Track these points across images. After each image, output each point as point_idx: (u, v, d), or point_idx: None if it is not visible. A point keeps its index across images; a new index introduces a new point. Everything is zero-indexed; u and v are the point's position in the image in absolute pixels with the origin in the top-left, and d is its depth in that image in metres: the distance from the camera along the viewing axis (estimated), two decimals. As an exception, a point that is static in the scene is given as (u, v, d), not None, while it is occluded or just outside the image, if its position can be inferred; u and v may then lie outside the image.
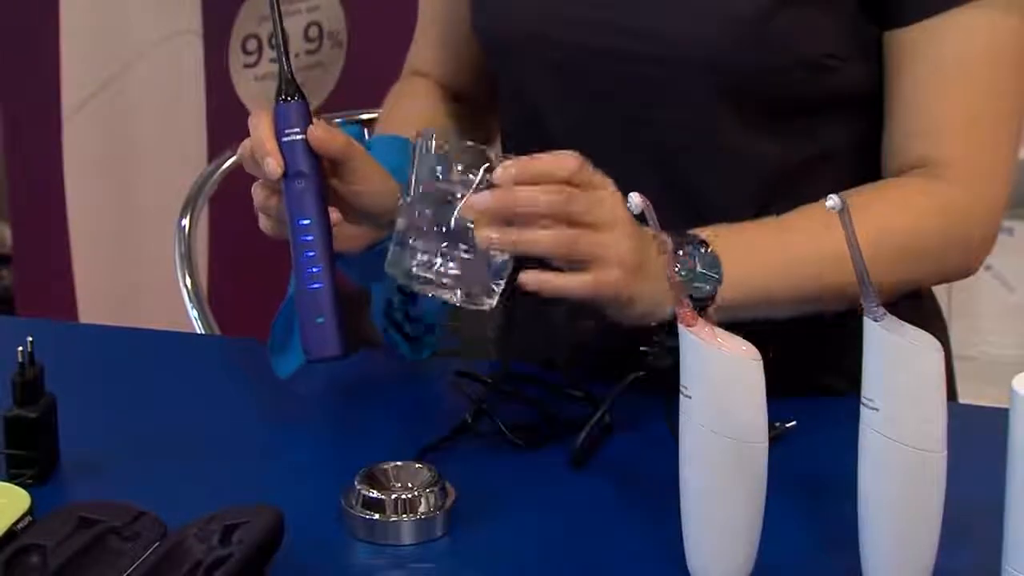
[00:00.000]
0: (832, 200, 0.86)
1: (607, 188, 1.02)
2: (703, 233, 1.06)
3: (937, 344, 0.89)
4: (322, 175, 1.05)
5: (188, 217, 1.79)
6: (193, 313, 1.76)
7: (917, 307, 1.26)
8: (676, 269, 1.01)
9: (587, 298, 1.02)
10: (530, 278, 1.00)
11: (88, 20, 2.37)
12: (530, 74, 1.23)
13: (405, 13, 1.48)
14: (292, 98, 1.05)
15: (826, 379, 1.22)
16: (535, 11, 1.21)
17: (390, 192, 1.08)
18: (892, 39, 1.15)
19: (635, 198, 0.91)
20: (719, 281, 1.05)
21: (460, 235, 1.01)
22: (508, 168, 0.99)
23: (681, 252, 1.04)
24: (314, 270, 1.04)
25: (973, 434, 0.96)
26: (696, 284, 1.04)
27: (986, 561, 0.92)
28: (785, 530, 0.97)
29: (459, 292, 1.02)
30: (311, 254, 1.04)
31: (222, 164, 1.77)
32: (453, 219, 1.01)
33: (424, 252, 1.02)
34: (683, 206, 1.14)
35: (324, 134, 1.04)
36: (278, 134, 1.04)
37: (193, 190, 1.75)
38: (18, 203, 2.69)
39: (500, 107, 1.31)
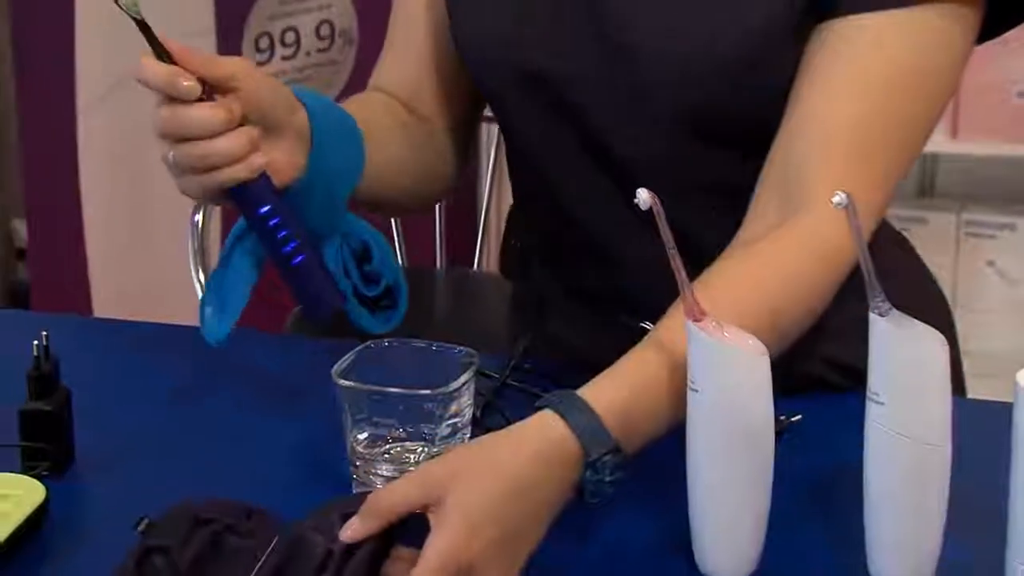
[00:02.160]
0: (839, 197, 0.86)
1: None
2: (607, 416, 0.94)
3: (942, 338, 0.88)
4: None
5: (201, 213, 1.79)
6: (206, 307, 1.76)
7: (922, 300, 1.25)
8: (583, 485, 0.95)
9: None
10: None
11: (102, 19, 2.37)
12: (505, 100, 1.22)
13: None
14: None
15: (831, 376, 1.21)
16: (507, 32, 1.18)
17: (284, 99, 1.06)
18: (814, 33, 1.09)
19: (643, 194, 0.90)
20: (623, 478, 0.96)
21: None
22: None
23: (588, 468, 0.94)
24: (291, 246, 1.04)
25: (977, 428, 0.95)
26: (604, 489, 0.95)
27: (990, 553, 0.91)
28: (792, 521, 0.96)
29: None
30: (283, 234, 1.04)
31: (235, 161, 1.77)
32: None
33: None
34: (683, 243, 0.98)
35: (163, 72, 1.00)
36: None
37: (206, 186, 1.75)
38: (33, 199, 2.70)
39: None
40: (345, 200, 1.12)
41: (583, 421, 0.93)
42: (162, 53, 1.00)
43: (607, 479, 0.94)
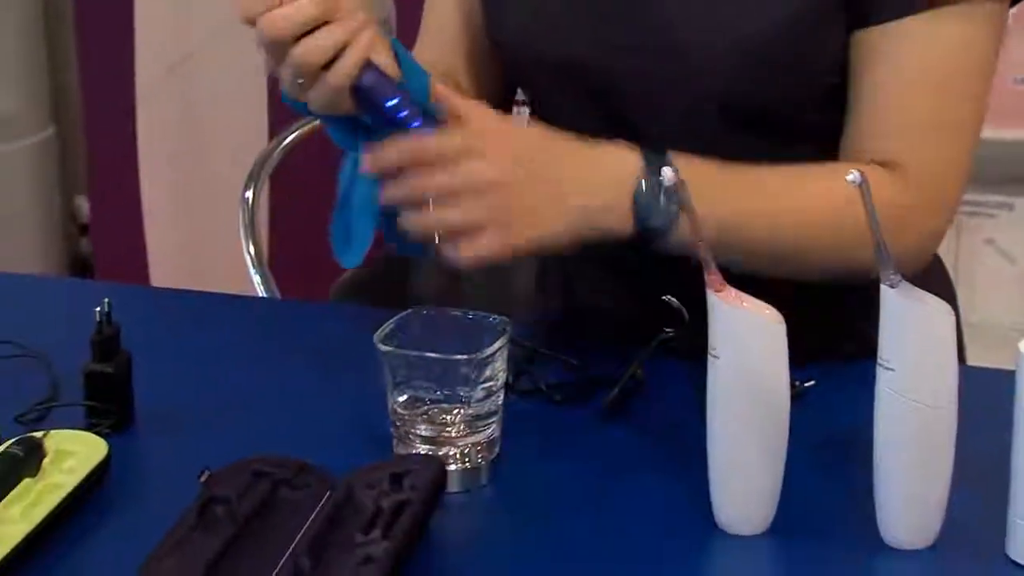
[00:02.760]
0: (852, 174, 0.85)
1: (472, 154, 0.98)
2: (679, 163, 0.98)
3: (949, 309, 0.88)
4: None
5: (251, 190, 1.79)
6: (256, 278, 1.77)
7: (928, 275, 1.24)
8: (638, 190, 0.99)
9: (499, 258, 1.00)
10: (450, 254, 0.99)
11: (160, 7, 2.37)
12: (544, 87, 1.21)
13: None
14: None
15: (843, 345, 1.21)
16: (551, 29, 1.17)
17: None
18: (857, 39, 1.09)
19: (667, 172, 0.90)
20: (676, 218, 1.00)
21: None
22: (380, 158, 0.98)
23: (646, 181, 0.99)
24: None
25: (979, 393, 0.94)
26: (650, 215, 1.00)
27: (992, 511, 0.91)
28: (805, 481, 0.96)
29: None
30: (415, 125, 1.00)
31: (282, 142, 1.78)
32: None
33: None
34: None
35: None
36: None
37: (256, 165, 1.75)
38: (96, 179, 2.71)
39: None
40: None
41: (647, 150, 1.00)
42: None
43: (661, 200, 0.98)
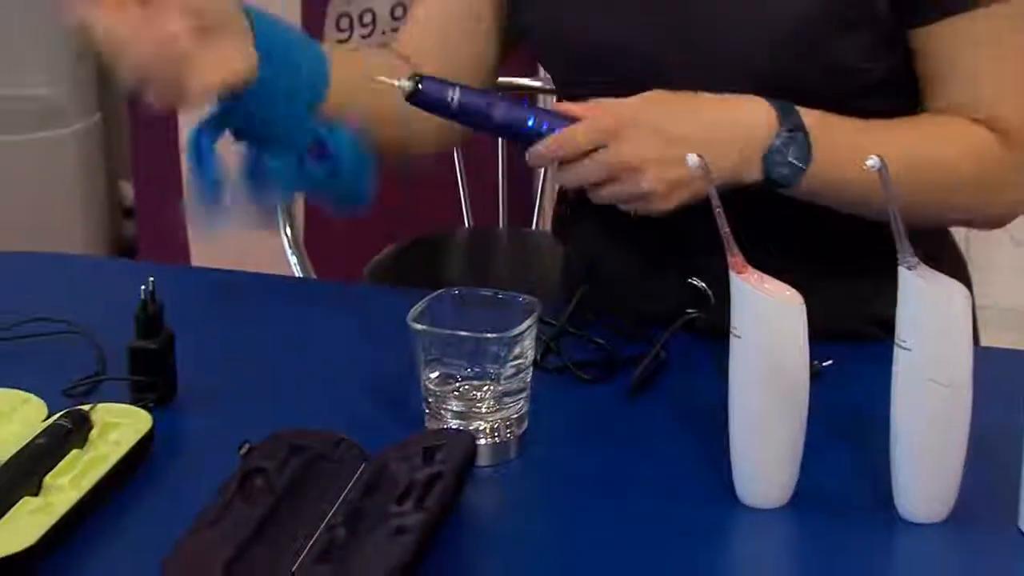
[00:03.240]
0: (872, 160, 0.84)
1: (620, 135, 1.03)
2: (808, 122, 1.05)
3: (965, 290, 0.87)
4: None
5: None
6: (292, 259, 1.77)
7: (944, 258, 1.23)
8: (767, 149, 1.04)
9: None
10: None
11: None
12: (576, 75, 1.19)
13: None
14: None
15: (861, 325, 1.20)
16: (589, 16, 1.16)
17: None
18: (936, 31, 1.10)
19: (692, 157, 0.89)
20: (803, 172, 1.05)
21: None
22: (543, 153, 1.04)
23: (778, 136, 1.04)
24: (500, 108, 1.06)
25: (992, 373, 0.93)
26: (780, 168, 1.05)
27: (1004, 485, 0.90)
28: (824, 456, 0.95)
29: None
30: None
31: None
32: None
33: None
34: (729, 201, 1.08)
35: None
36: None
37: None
38: (139, 164, 2.71)
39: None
40: (309, 109, 1.05)
41: (781, 103, 1.04)
42: None
43: (789, 158, 1.03)
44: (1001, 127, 1.11)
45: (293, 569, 0.81)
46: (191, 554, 0.81)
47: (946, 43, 1.11)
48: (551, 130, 1.05)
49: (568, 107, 1.07)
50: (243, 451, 0.90)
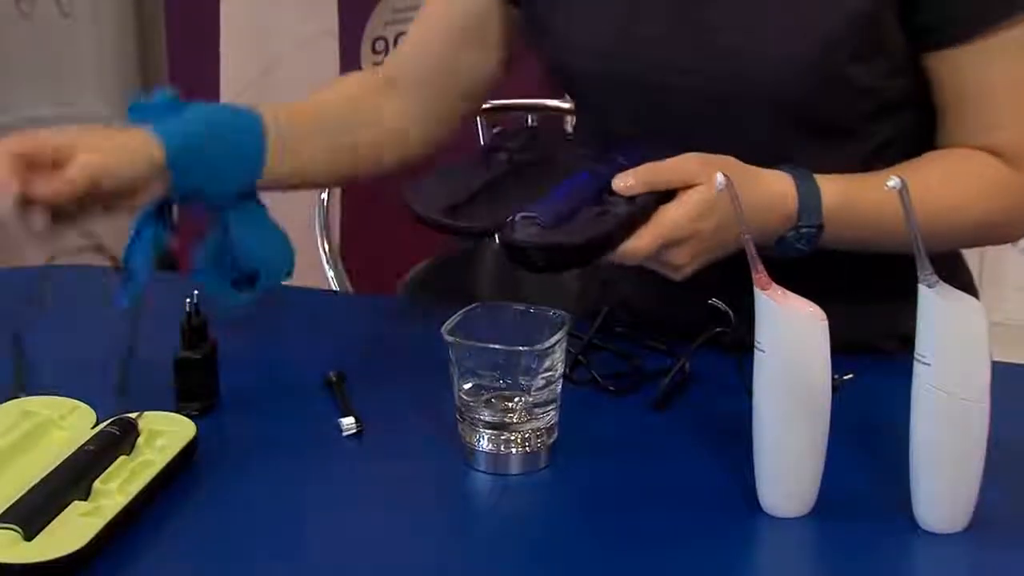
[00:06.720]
0: (893, 180, 0.84)
1: (676, 244, 1.01)
2: (826, 203, 1.06)
3: (982, 308, 0.86)
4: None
5: (326, 192, 1.79)
6: (330, 273, 1.77)
7: (953, 275, 1.22)
8: (781, 237, 1.06)
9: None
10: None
11: (242, 21, 2.38)
12: (598, 97, 1.18)
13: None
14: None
15: (881, 341, 1.19)
16: (607, 42, 1.15)
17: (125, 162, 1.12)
18: (947, 56, 1.09)
19: (719, 177, 0.89)
20: (812, 244, 1.07)
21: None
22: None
23: (800, 203, 1.05)
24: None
25: (1008, 388, 0.93)
26: (789, 252, 1.07)
27: (1021, 497, 0.89)
28: (845, 467, 0.95)
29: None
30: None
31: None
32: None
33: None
34: None
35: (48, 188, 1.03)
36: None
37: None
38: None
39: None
40: (244, 188, 1.15)
41: (807, 190, 1.05)
42: None
43: (798, 245, 1.06)
44: (1013, 151, 1.10)
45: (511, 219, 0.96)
46: (426, 195, 1.01)
47: (959, 68, 1.10)
48: (622, 167, 1.02)
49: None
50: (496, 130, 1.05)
